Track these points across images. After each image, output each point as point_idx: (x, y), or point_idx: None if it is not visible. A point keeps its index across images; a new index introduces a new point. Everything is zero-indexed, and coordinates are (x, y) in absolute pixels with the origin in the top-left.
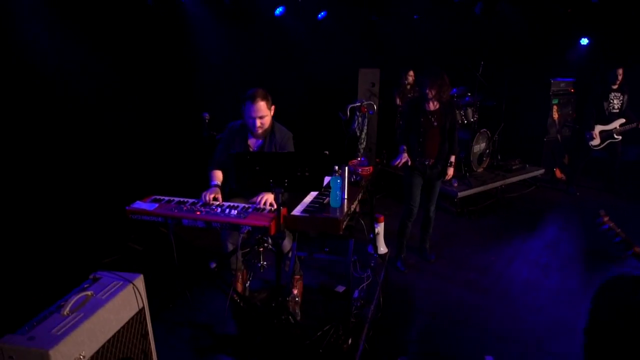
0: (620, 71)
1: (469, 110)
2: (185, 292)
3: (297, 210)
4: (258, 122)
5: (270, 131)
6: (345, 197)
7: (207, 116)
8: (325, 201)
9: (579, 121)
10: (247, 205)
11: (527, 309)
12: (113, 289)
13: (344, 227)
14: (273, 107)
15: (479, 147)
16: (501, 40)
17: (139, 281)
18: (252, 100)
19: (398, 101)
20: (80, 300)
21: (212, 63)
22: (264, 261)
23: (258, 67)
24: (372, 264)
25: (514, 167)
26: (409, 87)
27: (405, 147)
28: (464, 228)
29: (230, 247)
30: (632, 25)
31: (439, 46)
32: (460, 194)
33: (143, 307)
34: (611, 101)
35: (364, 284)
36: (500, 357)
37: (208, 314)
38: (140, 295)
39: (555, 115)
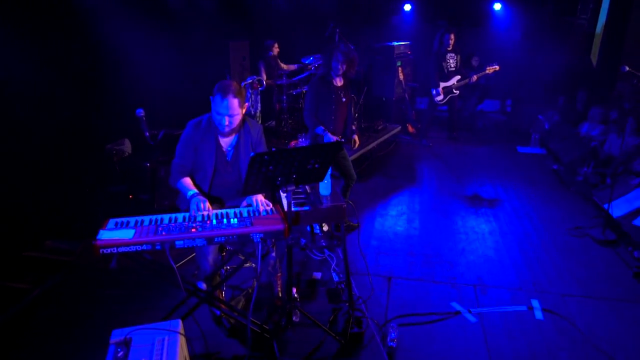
0: (452, 36)
1: None
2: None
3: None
4: (226, 120)
5: (242, 126)
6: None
7: (142, 113)
8: (309, 191)
9: (417, 80)
10: (237, 211)
11: (454, 254)
12: (166, 349)
13: None
14: (246, 105)
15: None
16: (348, 8)
17: (181, 328)
18: (224, 94)
19: (264, 76)
20: None
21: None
22: (226, 266)
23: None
24: (324, 244)
25: (379, 128)
26: (274, 59)
27: (323, 128)
28: (359, 192)
29: (212, 264)
30: None
31: (296, 14)
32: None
33: (186, 357)
34: (448, 61)
35: (333, 265)
36: (461, 301)
37: (203, 340)
38: (186, 342)
39: (401, 76)
